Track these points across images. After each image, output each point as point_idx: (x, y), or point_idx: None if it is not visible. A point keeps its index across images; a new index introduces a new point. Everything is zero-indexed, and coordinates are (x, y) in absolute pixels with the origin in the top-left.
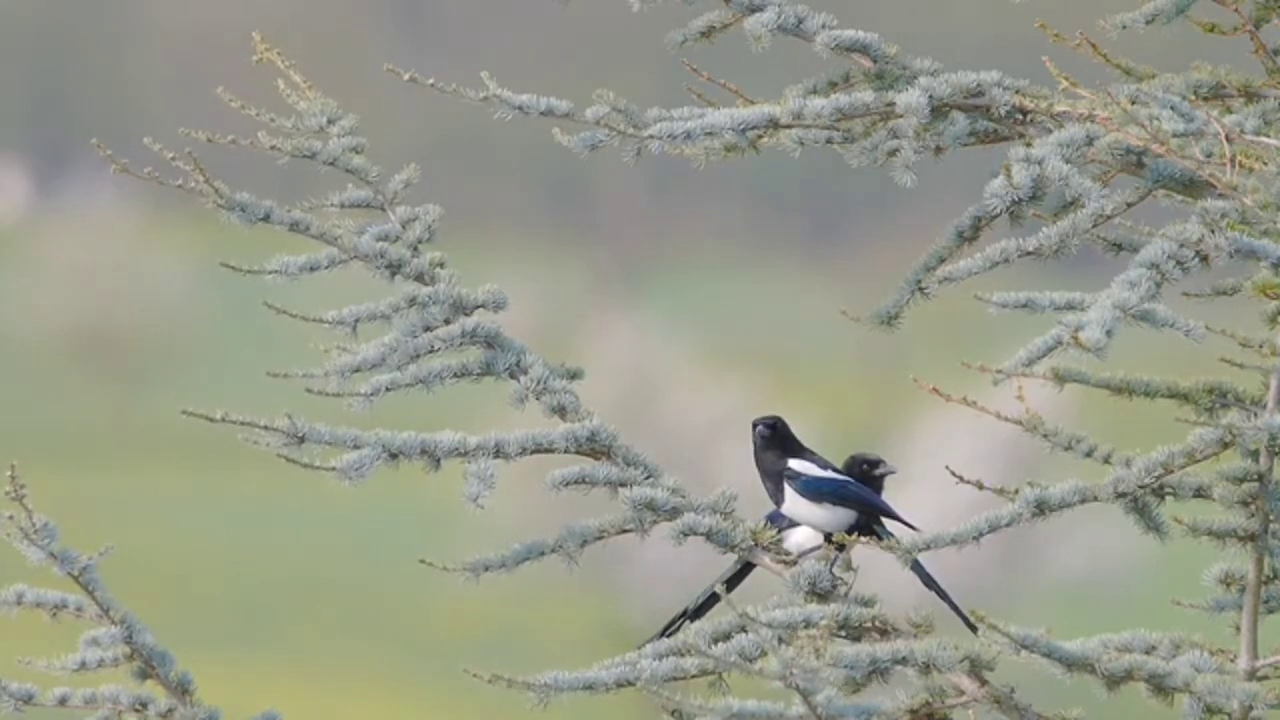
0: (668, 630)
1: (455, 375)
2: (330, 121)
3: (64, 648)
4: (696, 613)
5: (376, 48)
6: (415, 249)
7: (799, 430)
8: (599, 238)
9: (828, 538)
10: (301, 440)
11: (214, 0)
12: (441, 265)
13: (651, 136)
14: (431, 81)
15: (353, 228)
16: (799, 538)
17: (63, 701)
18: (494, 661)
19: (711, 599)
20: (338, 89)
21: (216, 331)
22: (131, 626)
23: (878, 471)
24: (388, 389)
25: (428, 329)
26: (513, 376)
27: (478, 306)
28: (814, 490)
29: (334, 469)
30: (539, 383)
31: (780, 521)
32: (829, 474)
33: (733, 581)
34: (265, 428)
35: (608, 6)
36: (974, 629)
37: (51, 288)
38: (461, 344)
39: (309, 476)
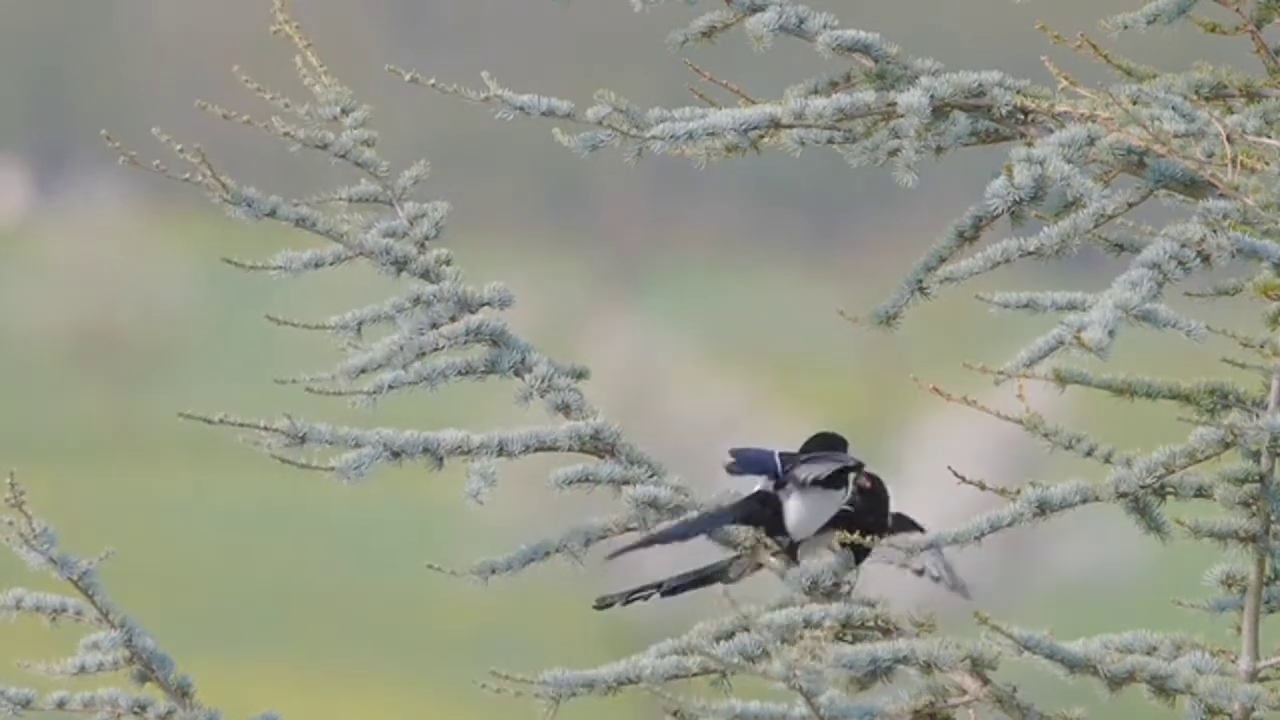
0: (631, 598)
1: (460, 373)
2: (344, 111)
3: (63, 651)
4: (672, 591)
5: (376, 48)
6: (422, 245)
7: (798, 430)
8: (599, 238)
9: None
10: (302, 441)
11: (214, 1)
12: (448, 263)
13: (653, 137)
14: (432, 82)
15: (361, 222)
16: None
17: (61, 705)
18: (493, 661)
19: (694, 583)
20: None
21: (217, 331)
22: (131, 630)
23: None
24: (391, 387)
25: (433, 326)
26: (517, 374)
27: (483, 304)
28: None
29: (332, 469)
30: (543, 381)
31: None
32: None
33: (722, 573)
34: (265, 429)
35: (608, 6)
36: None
37: (51, 288)
38: (466, 342)
39: (309, 477)
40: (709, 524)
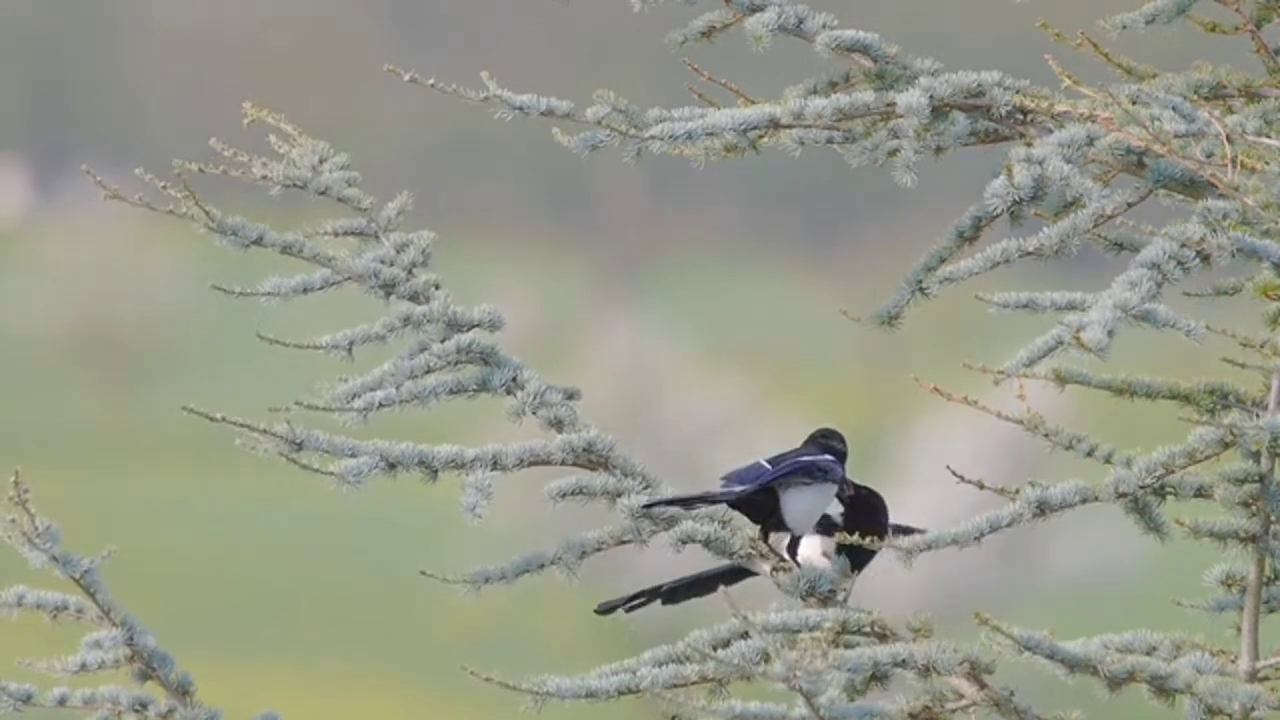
0: (633, 603)
1: (451, 392)
2: (322, 160)
3: (65, 648)
4: (671, 595)
5: (376, 48)
6: (410, 271)
7: (798, 431)
8: (599, 238)
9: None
10: (299, 447)
11: (214, 0)
12: (437, 286)
13: (652, 137)
14: (432, 81)
15: (347, 255)
16: (807, 550)
17: (62, 702)
18: (492, 662)
19: (691, 587)
20: (338, 89)
21: (216, 332)
22: (132, 629)
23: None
24: (382, 405)
25: (423, 349)
26: (509, 393)
27: (474, 325)
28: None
29: (333, 473)
30: (536, 397)
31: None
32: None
33: (728, 579)
34: (264, 432)
35: (608, 6)
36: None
37: (51, 288)
38: (457, 361)
39: (308, 478)
40: (720, 498)
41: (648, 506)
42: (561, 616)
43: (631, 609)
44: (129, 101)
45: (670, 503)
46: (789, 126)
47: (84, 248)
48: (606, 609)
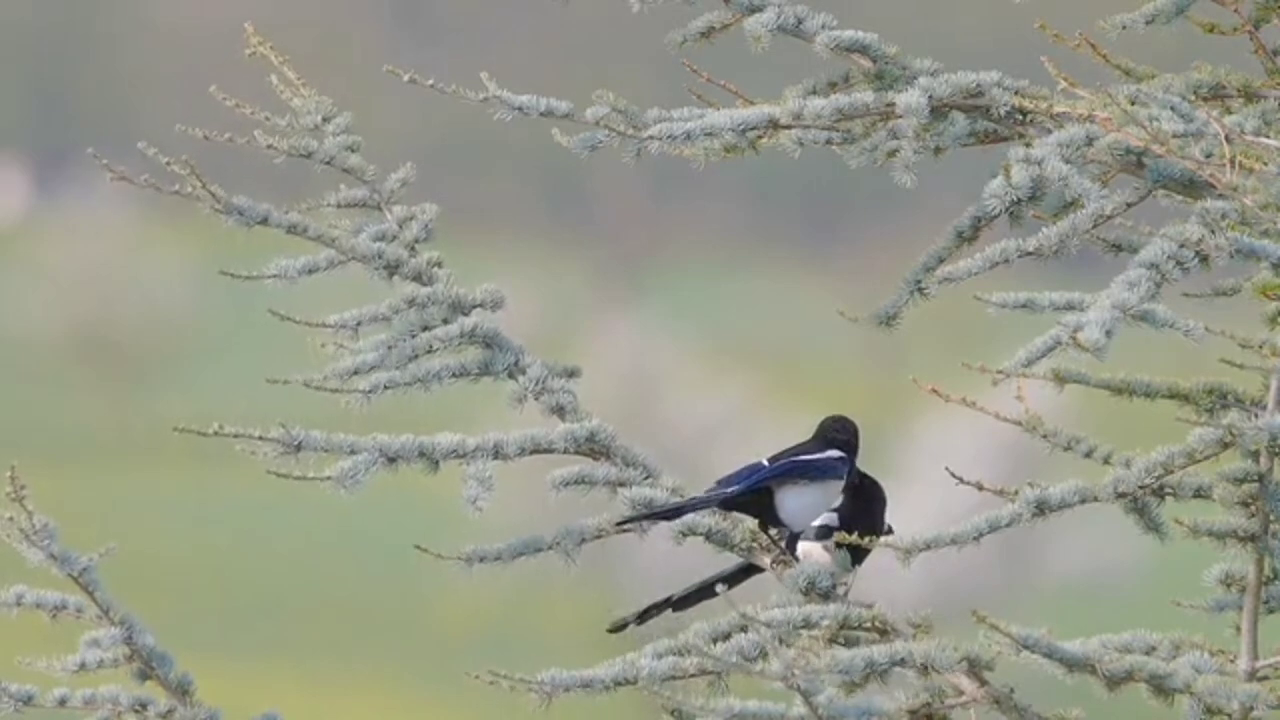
0: (644, 616)
1: (454, 375)
2: (325, 119)
3: (64, 648)
4: (681, 603)
5: (376, 48)
6: (413, 248)
7: (797, 431)
8: (599, 238)
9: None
10: (298, 449)
11: (214, 0)
12: (439, 265)
13: (651, 137)
14: (431, 82)
15: (350, 227)
16: (805, 545)
17: (62, 702)
18: (493, 660)
19: (700, 593)
20: (337, 88)
21: (217, 330)
22: (132, 627)
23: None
24: (387, 387)
25: (426, 329)
26: (511, 376)
27: (475, 306)
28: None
29: (328, 478)
30: (537, 383)
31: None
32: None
33: (731, 581)
34: (260, 438)
35: (608, 6)
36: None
37: (51, 288)
38: (460, 344)
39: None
40: (702, 504)
41: (622, 523)
42: (561, 616)
43: (643, 622)
44: (129, 101)
45: (650, 517)
46: (788, 127)
47: (84, 248)
48: (618, 627)
